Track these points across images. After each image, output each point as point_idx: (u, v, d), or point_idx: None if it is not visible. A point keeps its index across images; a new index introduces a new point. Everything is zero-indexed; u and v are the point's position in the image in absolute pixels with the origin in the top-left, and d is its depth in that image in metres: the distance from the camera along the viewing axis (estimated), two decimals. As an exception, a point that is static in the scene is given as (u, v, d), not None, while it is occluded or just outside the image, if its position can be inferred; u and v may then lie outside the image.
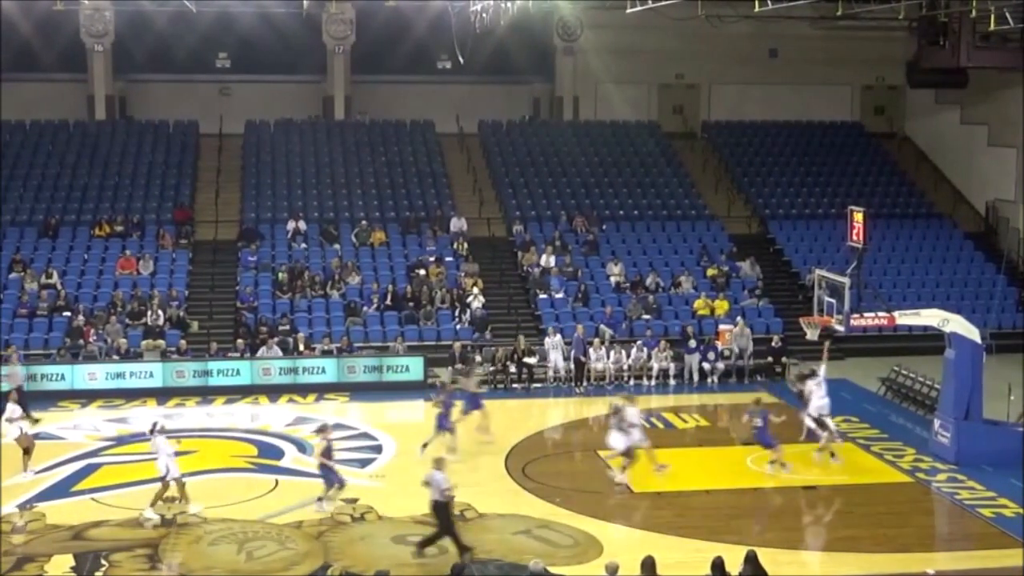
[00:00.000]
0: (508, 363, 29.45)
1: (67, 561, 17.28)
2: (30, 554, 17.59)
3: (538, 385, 29.46)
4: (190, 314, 31.66)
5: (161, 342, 29.58)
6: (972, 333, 22.74)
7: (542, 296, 33.02)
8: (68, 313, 30.41)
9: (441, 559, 17.19)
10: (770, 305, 33.27)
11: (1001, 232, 38.65)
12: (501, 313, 32.63)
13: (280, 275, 32.79)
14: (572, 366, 29.47)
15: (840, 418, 24.70)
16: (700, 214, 37.75)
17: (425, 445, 22.44)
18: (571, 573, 16.54)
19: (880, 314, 23.07)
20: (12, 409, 21.76)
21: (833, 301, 22.80)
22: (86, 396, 27.52)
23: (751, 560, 14.45)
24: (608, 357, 29.70)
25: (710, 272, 34.38)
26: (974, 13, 30.88)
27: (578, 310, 32.38)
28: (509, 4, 31.00)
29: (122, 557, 17.43)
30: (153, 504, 19.18)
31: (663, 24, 33.72)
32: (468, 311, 31.86)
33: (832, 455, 22.48)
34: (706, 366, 29.91)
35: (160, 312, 30.70)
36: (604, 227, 36.48)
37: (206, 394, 28.00)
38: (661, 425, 25.86)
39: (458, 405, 23.41)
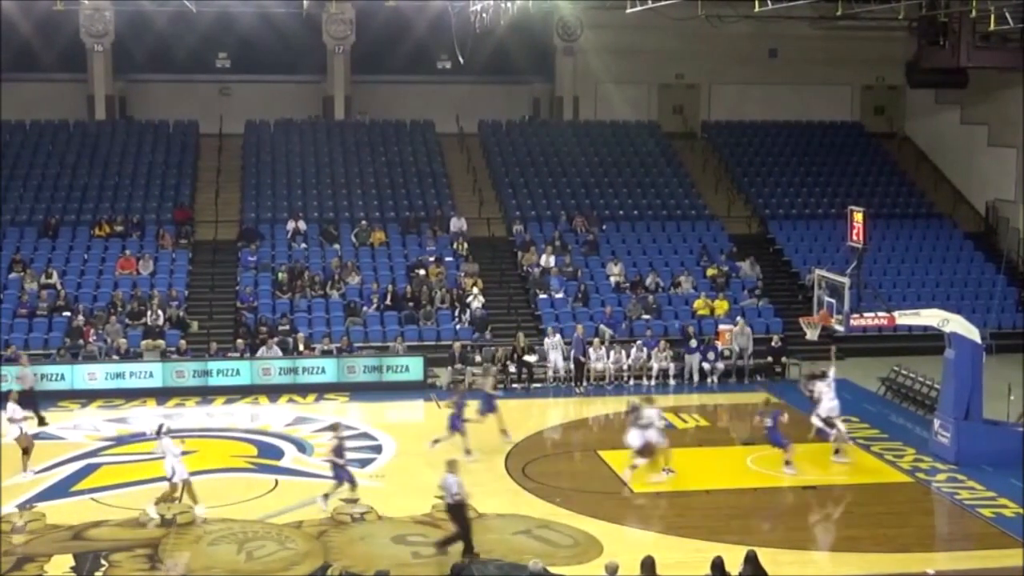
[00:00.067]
0: (508, 363, 29.44)
1: (67, 561, 17.28)
2: (30, 554, 17.59)
3: (538, 385, 29.46)
4: (190, 314, 31.66)
5: (161, 342, 29.59)
6: (972, 333, 22.73)
7: (542, 296, 33.02)
8: (68, 313, 30.42)
9: (441, 559, 17.20)
10: (770, 305, 33.28)
11: (1001, 232, 38.65)
12: (501, 313, 32.63)
13: (280, 275, 32.79)
14: (572, 366, 29.47)
15: (840, 418, 24.70)
16: (700, 214, 37.75)
17: (436, 441, 22.49)
18: (571, 573, 16.54)
19: (880, 314, 23.06)
20: (13, 409, 21.75)
21: (833, 301, 22.80)
22: (86, 396, 27.52)
23: (751, 560, 14.45)
24: (608, 357, 29.71)
25: (710, 272, 34.39)
26: (974, 13, 30.87)
27: (578, 310, 32.38)
28: (509, 4, 30.99)
29: (122, 557, 17.43)
30: (157, 503, 19.17)
31: (663, 24, 33.74)
32: (468, 311, 31.86)
33: (836, 451, 22.53)
34: (706, 366, 29.91)
35: (160, 312, 30.71)
36: (604, 227, 36.49)
37: (206, 394, 28.00)
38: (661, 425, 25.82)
39: (471, 406, 23.30)
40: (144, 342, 29.56)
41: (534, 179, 38.60)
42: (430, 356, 29.86)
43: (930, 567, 17.30)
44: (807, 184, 39.74)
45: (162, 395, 27.85)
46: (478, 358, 29.82)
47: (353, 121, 40.88)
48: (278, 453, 23.39)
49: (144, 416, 26.14)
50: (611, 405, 27.89)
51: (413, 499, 19.95)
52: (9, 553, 17.57)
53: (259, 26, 39.09)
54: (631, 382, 29.72)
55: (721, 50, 40.14)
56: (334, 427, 20.43)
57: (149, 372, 28.35)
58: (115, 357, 28.70)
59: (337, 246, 34.68)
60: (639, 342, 30.34)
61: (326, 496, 19.58)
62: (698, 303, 32.70)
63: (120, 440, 24.31)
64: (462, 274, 33.46)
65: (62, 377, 27.76)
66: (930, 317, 23.45)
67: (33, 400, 25.20)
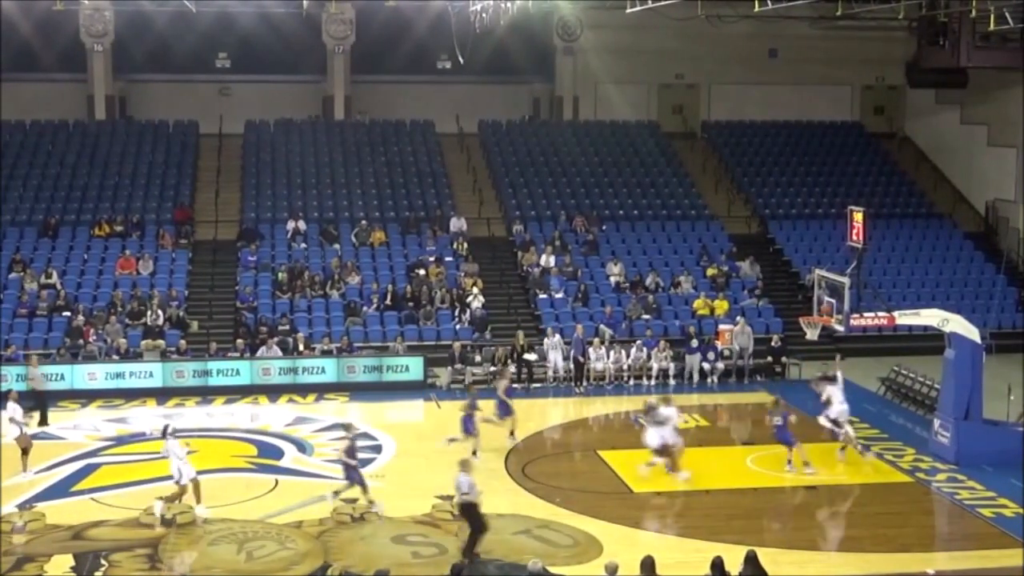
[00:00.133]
0: (508, 362, 29.43)
1: (67, 561, 17.28)
2: (30, 554, 17.59)
3: (538, 385, 29.46)
4: (190, 314, 31.66)
5: (161, 342, 29.59)
6: (972, 333, 22.73)
7: (542, 296, 33.02)
8: (68, 313, 30.42)
9: (441, 559, 17.20)
10: (770, 305, 33.28)
11: (1001, 232, 38.67)
12: (501, 313, 32.64)
13: (280, 275, 32.79)
14: (572, 366, 29.47)
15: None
16: (700, 214, 37.75)
17: (452, 440, 22.59)
18: (571, 573, 16.54)
19: (880, 314, 23.06)
20: (13, 409, 21.75)
21: (833, 301, 22.80)
22: (86, 396, 27.52)
23: (751, 560, 14.45)
24: (608, 357, 29.71)
25: (710, 272, 34.39)
26: (974, 13, 30.93)
27: (578, 310, 32.38)
28: (509, 4, 30.99)
29: (122, 557, 17.43)
30: (198, 500, 19.16)
31: (663, 24, 33.76)
32: (468, 311, 31.86)
33: (842, 449, 22.62)
34: (706, 366, 29.92)
35: (160, 312, 30.71)
36: (604, 227, 36.49)
37: (206, 394, 28.01)
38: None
39: (485, 408, 23.26)
40: (144, 342, 29.56)
41: (534, 179, 38.60)
42: (430, 356, 29.87)
43: (930, 567, 17.30)
44: (807, 184, 39.74)
45: (162, 395, 27.86)
46: (478, 358, 29.83)
47: (353, 121, 40.88)
48: (278, 453, 23.39)
49: (144, 416, 26.16)
50: (611, 405, 27.93)
51: (413, 499, 19.95)
52: (9, 553, 17.57)
53: (259, 26, 39.11)
54: (631, 382, 29.73)
55: (721, 50, 40.14)
56: (346, 427, 20.36)
57: (149, 372, 28.36)
58: (115, 357, 28.70)
59: (337, 246, 34.68)
60: (639, 342, 30.34)
61: (336, 493, 19.54)
62: (698, 303, 32.70)
63: (120, 440, 24.32)
64: (462, 274, 33.46)
65: (62, 377, 27.74)
66: (930, 317, 23.45)
67: (42, 399, 25.29)
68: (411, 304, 32.08)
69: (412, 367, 29.26)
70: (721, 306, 32.62)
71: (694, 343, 30.10)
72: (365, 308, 31.95)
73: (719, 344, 30.34)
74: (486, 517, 17.71)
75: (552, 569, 15.44)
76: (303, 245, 34.73)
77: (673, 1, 29.99)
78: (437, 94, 41.48)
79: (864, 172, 40.47)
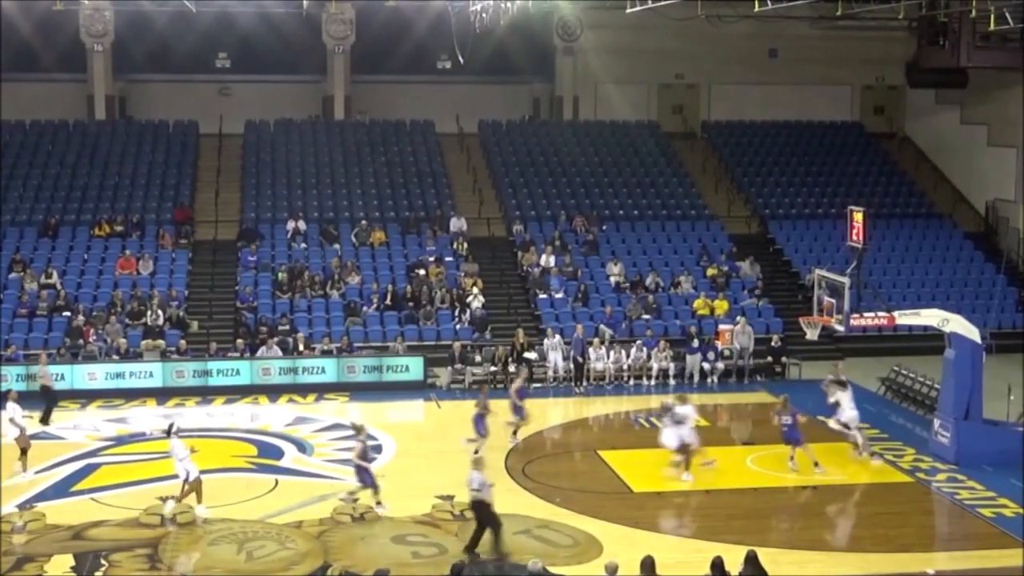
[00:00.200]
0: (509, 361, 29.41)
1: (67, 561, 17.27)
2: (30, 554, 17.58)
3: (538, 385, 29.42)
4: (190, 314, 31.67)
5: (161, 342, 29.59)
6: (972, 333, 22.73)
7: (542, 296, 33.03)
8: (68, 313, 30.43)
9: (441, 559, 17.20)
10: (770, 305, 33.28)
11: (1001, 232, 38.67)
12: (501, 313, 32.64)
13: (280, 275, 32.79)
14: (572, 366, 29.47)
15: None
16: (700, 214, 37.76)
17: (471, 440, 22.72)
18: (571, 573, 16.54)
19: (880, 314, 23.06)
20: (13, 408, 21.74)
21: (833, 301, 22.80)
22: (86, 396, 27.51)
23: (751, 560, 14.45)
24: (608, 357, 29.71)
25: (710, 272, 34.39)
26: (974, 13, 30.92)
27: (578, 310, 32.38)
28: (509, 4, 30.99)
29: (122, 557, 17.42)
30: (199, 500, 19.16)
31: (663, 24, 33.76)
32: (468, 311, 31.86)
33: (856, 446, 22.67)
34: (706, 366, 29.91)
35: (160, 312, 30.71)
36: (604, 227, 36.49)
37: (206, 394, 28.01)
38: (661, 425, 25.81)
39: (495, 410, 23.26)
40: (144, 342, 29.56)
41: (534, 179, 38.60)
42: (430, 356, 29.87)
43: (930, 567, 17.30)
44: (807, 184, 39.74)
45: (162, 395, 27.86)
46: (478, 358, 29.82)
47: (353, 121, 40.88)
48: (278, 453, 23.39)
49: (144, 416, 26.16)
50: (611, 405, 27.94)
51: (413, 499, 19.95)
52: (9, 553, 17.57)
53: (259, 26, 39.12)
54: (631, 382, 29.73)
55: (721, 50, 40.14)
56: (358, 429, 20.21)
57: (149, 372, 28.36)
58: (115, 357, 28.70)
59: (337, 246, 34.68)
60: (639, 342, 30.34)
61: (379, 504, 19.51)
62: (698, 303, 32.70)
63: (120, 440, 24.31)
64: (462, 274, 33.46)
65: (62, 377, 27.68)
66: (930, 317, 23.45)
67: (52, 397, 25.35)
68: (411, 304, 32.08)
69: (412, 367, 29.26)
70: (721, 306, 32.62)
71: (695, 343, 30.10)
72: (365, 308, 31.95)
73: (719, 344, 30.34)
74: (497, 515, 17.67)
75: (552, 569, 15.45)
76: (303, 245, 34.73)
77: (673, 1, 29.99)
78: (437, 94, 41.48)
79: (864, 172, 40.47)
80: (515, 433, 23.89)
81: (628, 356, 29.90)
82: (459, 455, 22.63)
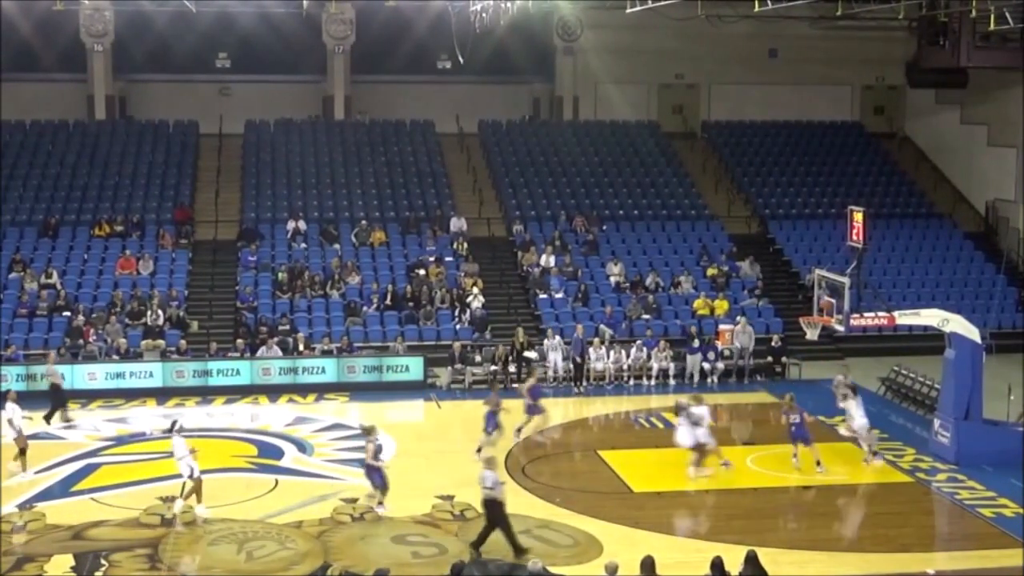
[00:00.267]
0: (509, 360, 29.40)
1: (67, 561, 17.27)
2: (30, 554, 17.58)
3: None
4: (190, 314, 31.66)
5: (161, 342, 29.59)
6: (972, 333, 22.73)
7: (542, 296, 33.02)
8: (68, 313, 30.42)
9: (441, 559, 17.20)
10: (770, 305, 33.28)
11: (1001, 232, 38.67)
12: (501, 313, 32.63)
13: (280, 275, 32.79)
14: (571, 366, 29.46)
15: (840, 418, 24.71)
16: (700, 214, 37.75)
17: (519, 430, 23.11)
18: (571, 573, 16.55)
19: (880, 314, 23.06)
20: (12, 409, 21.73)
21: (833, 301, 22.80)
22: (86, 396, 27.49)
23: (751, 560, 14.45)
24: (608, 357, 29.70)
25: (710, 272, 34.39)
26: (974, 13, 30.90)
27: (578, 310, 32.38)
28: (509, 4, 30.99)
29: (122, 557, 17.42)
30: (199, 500, 19.18)
31: (663, 24, 33.76)
32: (468, 311, 31.86)
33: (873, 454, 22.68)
34: (706, 366, 29.90)
35: (160, 312, 30.71)
36: (604, 227, 36.49)
37: (206, 394, 28.00)
38: (661, 425, 25.84)
39: (508, 408, 23.28)
40: (144, 342, 29.56)
41: (534, 179, 38.60)
42: (430, 356, 29.86)
43: (930, 567, 17.30)
44: (807, 184, 39.74)
45: (162, 395, 27.85)
46: (478, 358, 29.82)
47: (353, 121, 40.88)
48: (278, 453, 23.39)
49: (144, 416, 26.16)
50: (611, 405, 27.93)
51: (413, 499, 19.94)
52: (9, 553, 17.57)
53: (259, 26, 39.11)
54: (631, 382, 29.72)
55: (721, 50, 40.14)
56: (369, 430, 20.08)
57: (149, 372, 28.35)
58: (115, 357, 28.70)
59: (337, 246, 34.67)
60: (639, 342, 30.33)
61: (381, 504, 19.46)
62: (698, 303, 32.70)
63: (120, 440, 24.31)
64: (462, 274, 33.46)
65: (62, 377, 27.67)
66: (930, 317, 23.45)
67: (61, 396, 25.41)
68: (411, 304, 32.08)
69: (412, 367, 29.26)
70: (721, 306, 32.62)
71: (695, 343, 30.09)
72: (365, 308, 31.95)
73: (719, 344, 30.33)
74: (508, 516, 17.66)
75: (552, 569, 15.46)
76: (303, 245, 34.73)
77: (673, 1, 29.98)
78: (437, 94, 41.48)
79: (864, 172, 40.47)
80: (519, 430, 23.87)
81: (628, 356, 29.89)
82: (459, 455, 22.70)
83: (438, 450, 23.51)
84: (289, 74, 41.50)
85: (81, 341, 29.20)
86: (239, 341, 29.31)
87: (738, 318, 31.08)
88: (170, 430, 19.81)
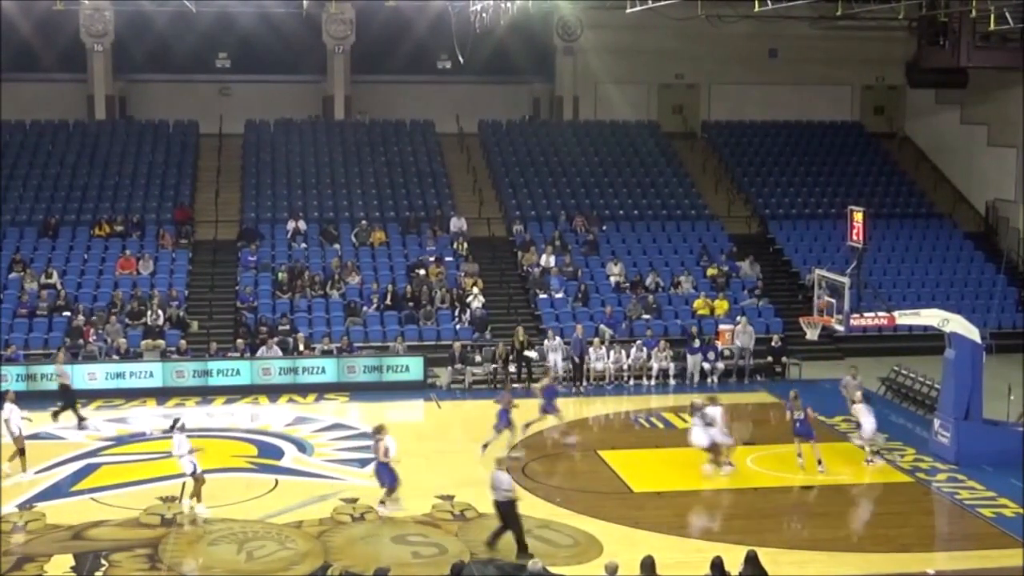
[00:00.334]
0: (509, 360, 29.38)
1: (67, 561, 17.27)
2: (30, 554, 17.58)
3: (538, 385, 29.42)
4: (190, 314, 31.66)
5: (161, 342, 29.59)
6: (972, 333, 22.72)
7: (542, 296, 33.02)
8: (68, 313, 30.42)
9: (441, 559, 17.20)
10: (770, 305, 33.28)
11: (1001, 232, 38.67)
12: (501, 313, 32.63)
13: (280, 275, 32.79)
14: (571, 366, 29.46)
15: (840, 418, 24.77)
16: (700, 214, 37.75)
17: (529, 424, 23.31)
18: (571, 573, 16.55)
19: (880, 314, 23.06)
20: (9, 409, 21.72)
21: (833, 301, 22.80)
22: (86, 396, 27.40)
23: (751, 560, 14.45)
24: (608, 357, 29.70)
25: (710, 272, 34.39)
26: (974, 13, 30.90)
27: (578, 310, 32.38)
28: (509, 4, 30.99)
29: (122, 557, 17.42)
30: (199, 500, 19.18)
31: (663, 24, 33.76)
32: (468, 311, 31.86)
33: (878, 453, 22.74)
34: (706, 366, 29.90)
35: (160, 312, 30.70)
36: (604, 227, 36.48)
37: (206, 394, 28.00)
38: (661, 425, 25.86)
39: (520, 406, 23.33)
40: (144, 342, 29.56)
41: (534, 179, 38.59)
42: (430, 356, 29.86)
43: (930, 567, 17.30)
44: (807, 184, 39.73)
45: (162, 395, 27.85)
46: (478, 358, 29.82)
47: (353, 121, 40.88)
48: (278, 453, 23.38)
49: (144, 416, 26.16)
50: (611, 405, 27.93)
51: (413, 499, 19.92)
52: (9, 553, 17.57)
53: (259, 26, 39.11)
54: (631, 382, 29.72)
55: (721, 50, 40.14)
56: (378, 429, 19.94)
57: (149, 372, 28.35)
58: (115, 357, 28.70)
59: (337, 246, 34.67)
60: (639, 342, 30.33)
61: (383, 503, 19.44)
62: (698, 303, 32.70)
63: (120, 440, 24.31)
64: (462, 274, 33.46)
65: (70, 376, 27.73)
66: (930, 317, 23.45)
67: (71, 395, 25.44)
68: (411, 304, 32.08)
69: (412, 367, 29.25)
70: (721, 306, 32.62)
71: (695, 343, 30.09)
72: (365, 308, 31.95)
73: (719, 344, 30.33)
74: (521, 517, 17.67)
75: (552, 569, 15.46)
76: (303, 245, 34.73)
77: (673, 1, 29.98)
78: (437, 94, 41.48)
79: (864, 172, 40.47)
80: (528, 425, 23.88)
81: (628, 356, 29.89)
82: (459, 455, 22.72)
83: (438, 450, 23.51)
84: (289, 74, 41.50)
85: (81, 341, 29.19)
86: (239, 341, 29.31)
87: (738, 318, 31.09)
88: (172, 428, 19.82)
